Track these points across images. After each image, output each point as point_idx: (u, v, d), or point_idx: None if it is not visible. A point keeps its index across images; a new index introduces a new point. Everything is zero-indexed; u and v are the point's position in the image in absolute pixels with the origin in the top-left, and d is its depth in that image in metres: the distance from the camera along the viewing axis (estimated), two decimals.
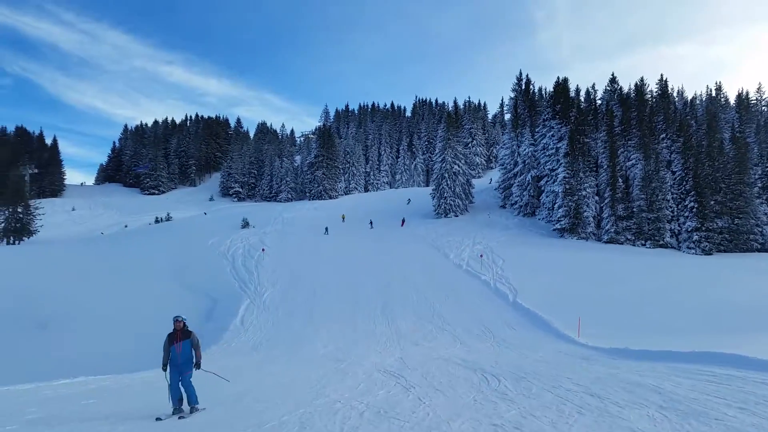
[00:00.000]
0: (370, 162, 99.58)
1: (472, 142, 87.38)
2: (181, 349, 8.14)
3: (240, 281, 30.65)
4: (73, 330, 23.82)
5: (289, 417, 7.15)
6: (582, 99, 56.71)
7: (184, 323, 8.37)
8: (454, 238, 40.82)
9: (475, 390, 8.81)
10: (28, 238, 58.08)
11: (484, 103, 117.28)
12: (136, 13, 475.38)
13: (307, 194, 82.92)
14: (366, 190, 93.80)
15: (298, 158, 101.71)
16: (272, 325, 22.09)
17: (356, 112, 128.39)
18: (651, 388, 7.74)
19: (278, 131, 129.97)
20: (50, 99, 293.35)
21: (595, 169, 45.63)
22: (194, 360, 8.26)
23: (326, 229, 47.16)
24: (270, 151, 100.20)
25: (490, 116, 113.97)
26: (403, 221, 48.89)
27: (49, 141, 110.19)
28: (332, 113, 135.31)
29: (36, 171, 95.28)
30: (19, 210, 58.85)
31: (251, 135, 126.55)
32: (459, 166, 54.19)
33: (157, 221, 67.99)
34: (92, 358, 18.82)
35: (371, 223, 49.35)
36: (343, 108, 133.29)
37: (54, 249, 45.11)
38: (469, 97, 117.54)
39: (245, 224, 51.14)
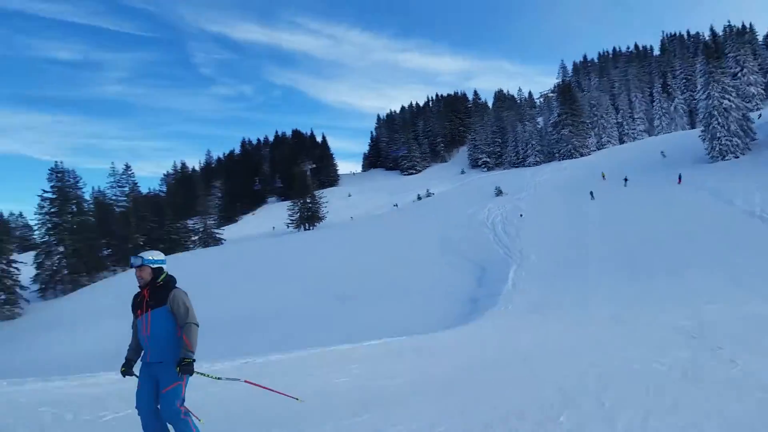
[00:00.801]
0: (621, 111, 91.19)
1: (741, 71, 73.43)
2: (149, 329, 3.87)
3: (504, 247, 31.55)
4: (365, 301, 27.42)
5: (587, 375, 7.17)
6: None
7: (154, 271, 3.96)
8: (737, 184, 35.05)
9: None
10: (319, 223, 69.15)
11: (750, 25, 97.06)
12: (368, 10, 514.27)
13: (556, 155, 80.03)
14: (621, 142, 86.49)
15: (540, 120, 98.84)
16: (544, 287, 22.37)
17: (596, 61, 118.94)
18: None
19: (516, 96, 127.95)
20: (312, 102, 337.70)
21: None
22: (181, 351, 3.80)
23: (591, 193, 42.34)
24: (510, 118, 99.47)
25: (759, 38, 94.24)
26: (680, 178, 42.83)
27: (319, 138, 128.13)
28: (570, 68, 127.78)
29: (314, 166, 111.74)
30: (308, 201, 70.51)
31: (489, 105, 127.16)
32: (729, 100, 46.11)
33: (419, 198, 74.13)
34: (385, 324, 21.61)
35: (625, 180, 45.30)
36: (581, 60, 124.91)
37: (341, 231, 52.68)
38: (729, 21, 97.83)
39: (498, 192, 52.32)
